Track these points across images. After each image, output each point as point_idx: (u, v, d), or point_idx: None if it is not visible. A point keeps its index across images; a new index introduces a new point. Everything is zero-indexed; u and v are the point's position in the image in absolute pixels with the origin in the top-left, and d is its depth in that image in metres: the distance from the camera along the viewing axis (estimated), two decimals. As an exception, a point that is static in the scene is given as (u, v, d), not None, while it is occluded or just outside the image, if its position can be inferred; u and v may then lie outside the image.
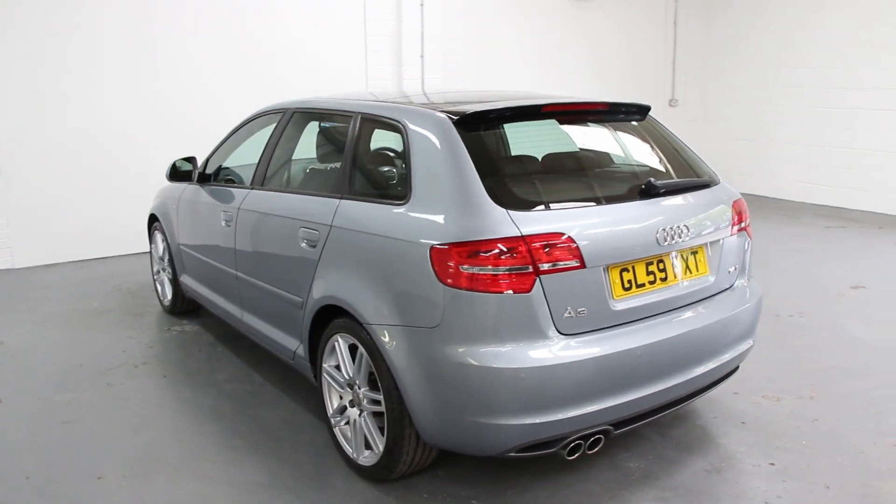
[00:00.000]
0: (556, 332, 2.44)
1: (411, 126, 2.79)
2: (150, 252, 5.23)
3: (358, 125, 3.10)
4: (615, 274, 2.57)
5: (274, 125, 3.75)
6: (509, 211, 2.45)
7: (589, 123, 3.10)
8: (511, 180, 2.64)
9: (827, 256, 6.35)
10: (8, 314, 5.05)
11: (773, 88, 9.12)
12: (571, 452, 2.59)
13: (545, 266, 2.40)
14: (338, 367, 3.00)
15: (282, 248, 3.29)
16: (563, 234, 2.44)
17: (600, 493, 2.82)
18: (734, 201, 3.06)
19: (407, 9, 7.96)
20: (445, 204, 2.52)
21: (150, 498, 2.82)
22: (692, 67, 10.16)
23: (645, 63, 10.01)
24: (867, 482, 2.84)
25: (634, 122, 3.18)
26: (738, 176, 9.23)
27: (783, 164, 9.08)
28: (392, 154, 2.96)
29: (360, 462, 2.90)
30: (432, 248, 2.44)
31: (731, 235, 2.99)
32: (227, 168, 4.29)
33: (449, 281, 2.40)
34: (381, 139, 3.05)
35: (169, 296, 4.94)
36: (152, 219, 5.06)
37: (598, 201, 2.69)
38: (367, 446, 2.88)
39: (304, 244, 3.10)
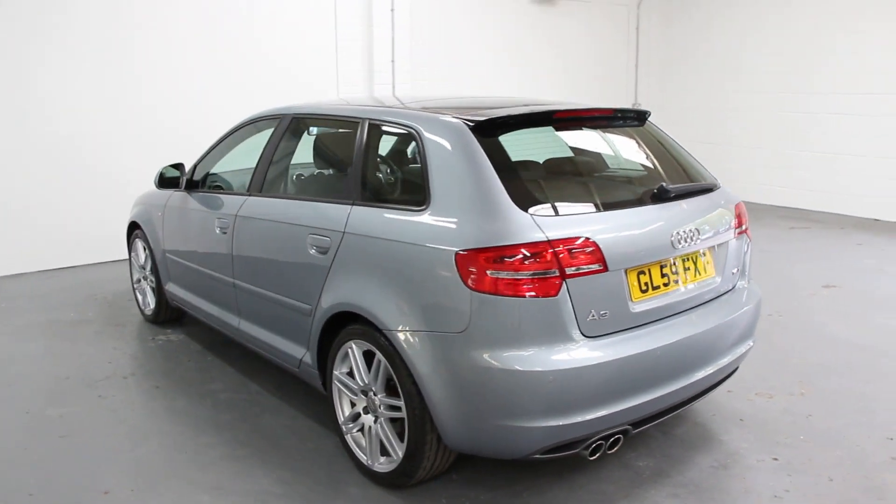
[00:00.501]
0: (580, 334, 2.48)
1: (426, 132, 2.80)
2: (130, 260, 5.09)
3: (366, 131, 3.09)
4: (633, 277, 2.62)
5: (271, 131, 3.70)
6: (534, 216, 2.48)
7: (595, 129, 3.16)
8: (531, 185, 2.67)
9: (795, 257, 6.58)
10: (-20, 326, 4.87)
11: (732, 92, 9.41)
12: (593, 453, 2.63)
13: (571, 270, 2.44)
14: (350, 374, 2.98)
15: (288, 255, 3.25)
16: (587, 239, 2.48)
17: (614, 493, 2.86)
18: (735, 204, 3.16)
19: (378, 14, 7.96)
20: (469, 210, 2.54)
21: (162, 512, 2.76)
22: (654, 71, 10.41)
23: (610, 67, 10.22)
24: (868, 474, 2.96)
25: (636, 127, 3.25)
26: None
27: (743, 166, 9.36)
28: (405, 160, 2.96)
29: (375, 469, 2.89)
30: (458, 253, 2.46)
31: (734, 238, 3.08)
32: (218, 175, 4.22)
33: (476, 286, 2.42)
34: (392, 145, 3.05)
35: (151, 305, 4.82)
36: (133, 226, 4.93)
37: (615, 206, 2.74)
38: (383, 453, 2.87)
39: (313, 251, 3.07)
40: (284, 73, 7.24)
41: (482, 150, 2.63)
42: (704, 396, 3.10)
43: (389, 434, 2.80)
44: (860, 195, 8.18)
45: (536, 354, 2.42)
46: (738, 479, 2.95)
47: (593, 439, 2.57)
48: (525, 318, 2.42)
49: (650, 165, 3.13)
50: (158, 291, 4.69)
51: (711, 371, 2.88)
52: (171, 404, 3.69)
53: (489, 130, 2.74)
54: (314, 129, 3.63)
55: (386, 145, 3.10)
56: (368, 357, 2.87)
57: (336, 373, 3.03)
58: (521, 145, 2.91)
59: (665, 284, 2.74)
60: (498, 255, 2.40)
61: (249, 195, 3.63)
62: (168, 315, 4.79)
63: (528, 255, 2.40)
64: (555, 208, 2.58)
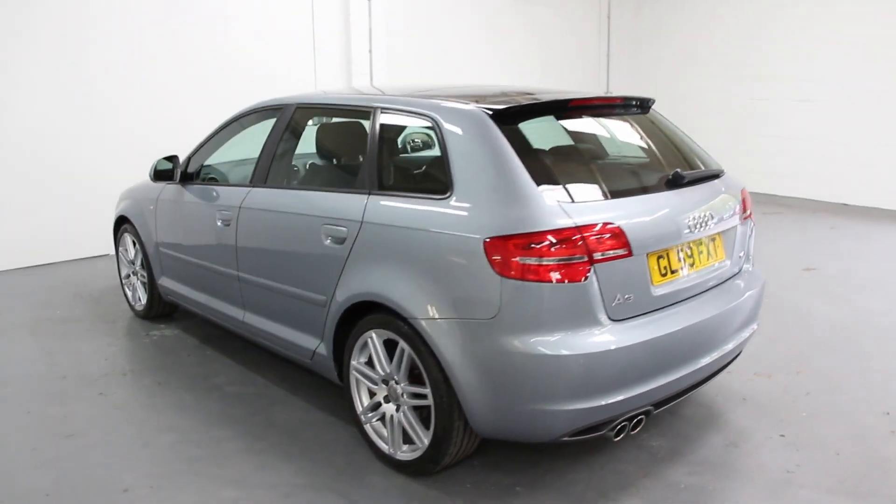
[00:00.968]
0: (607, 318, 2.53)
1: (445, 120, 2.80)
2: (118, 256, 4.98)
3: (379, 121, 3.08)
4: (653, 261, 2.68)
5: (273, 122, 3.65)
6: (560, 202, 2.52)
7: (606, 117, 3.20)
8: (553, 172, 2.70)
9: (772, 241, 6.76)
10: (-38, 326, 4.72)
11: (698, 79, 9.60)
12: (617, 434, 2.68)
13: (598, 255, 2.48)
14: (369, 364, 2.98)
15: (299, 246, 3.23)
16: (613, 224, 2.53)
17: (634, 472, 2.93)
18: (741, 190, 3.24)
19: (354, 3, 7.90)
20: (495, 197, 2.56)
21: (186, 508, 2.73)
22: (624, 58, 10.56)
23: (583, 54, 10.33)
24: (871, 448, 3.08)
25: (641, 115, 3.31)
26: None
27: (711, 152, 9.49)
28: (423, 148, 2.96)
29: (398, 457, 2.90)
30: (486, 240, 2.48)
31: (740, 223, 3.17)
32: (215, 167, 4.15)
33: (506, 272, 2.44)
34: (408, 134, 3.05)
35: (143, 300, 4.74)
36: (121, 220, 4.83)
37: (635, 192, 2.79)
38: (405, 441, 2.88)
39: (328, 241, 3.05)
40: (261, 65, 7.14)
41: (504, 138, 2.66)
42: (714, 377, 3.19)
43: (414, 422, 2.81)
44: (828, 181, 8.43)
45: (566, 338, 2.46)
46: (749, 456, 3.05)
47: (618, 421, 2.63)
48: (555, 303, 2.45)
49: (659, 152, 3.18)
50: (150, 286, 4.60)
51: (725, 351, 2.96)
52: (177, 399, 3.64)
53: (508, 118, 2.76)
54: (321, 119, 3.60)
55: (402, 134, 3.09)
56: (388, 346, 2.88)
57: (354, 363, 3.03)
58: (533, 133, 2.94)
59: (682, 268, 2.80)
60: (528, 241, 2.43)
61: (253, 186, 3.59)
62: (161, 310, 4.71)
63: (558, 241, 2.43)
64: (579, 194, 2.61)
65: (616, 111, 3.25)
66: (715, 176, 3.16)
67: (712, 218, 2.91)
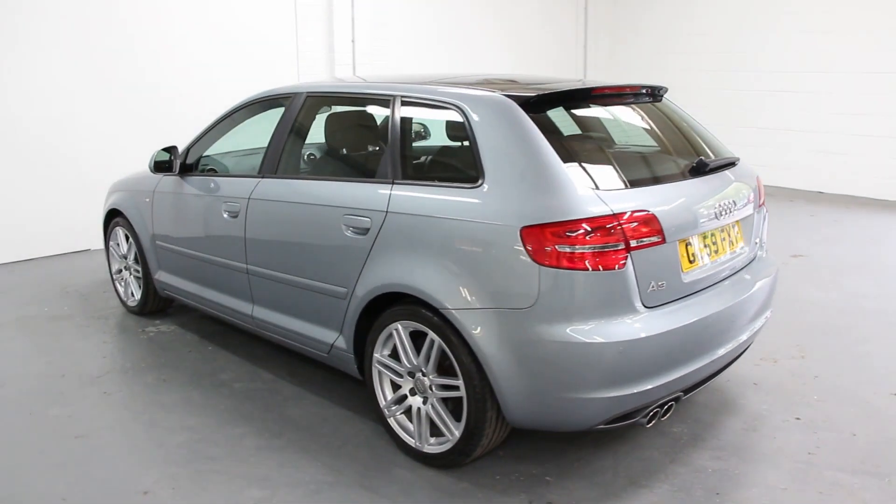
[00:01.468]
0: (642, 305, 2.53)
1: (473, 109, 2.77)
2: (108, 250, 4.83)
3: (399, 109, 3.02)
4: (682, 248, 2.69)
5: (282, 111, 3.57)
6: (595, 190, 2.51)
7: (624, 105, 3.20)
8: (584, 160, 2.69)
9: (756, 229, 6.87)
10: (-55, 326, 4.52)
11: (676, 70, 9.69)
12: (650, 420, 2.69)
13: (634, 242, 2.48)
14: (393, 357, 2.94)
15: (317, 237, 3.16)
16: (647, 211, 2.53)
17: (660, 458, 2.95)
18: (755, 178, 3.27)
19: (337, -8, 7.79)
20: (530, 185, 2.53)
21: (213, 508, 2.66)
22: (602, 48, 10.62)
23: (562, 43, 10.36)
24: (884, 428, 3.15)
25: (656, 103, 3.32)
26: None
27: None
28: (448, 137, 2.92)
29: (425, 450, 2.87)
30: (524, 228, 2.45)
31: (756, 210, 3.20)
32: (217, 157, 4.04)
33: (544, 261, 2.42)
34: (430, 123, 3.00)
35: (137, 296, 4.60)
36: (112, 214, 4.68)
37: (663, 179, 2.80)
38: (433, 433, 2.85)
39: (349, 232, 2.99)
40: (243, 55, 6.97)
41: (536, 126, 2.63)
42: (734, 362, 3.23)
43: (443, 414, 2.78)
44: (805, 169, 8.61)
45: (604, 326, 2.46)
46: (769, 439, 3.09)
47: (651, 407, 2.64)
48: (593, 290, 2.44)
49: (677, 140, 3.19)
50: (145, 281, 4.47)
51: (746, 336, 3.00)
52: (185, 397, 3.54)
53: (536, 106, 2.74)
54: (334, 108, 3.52)
55: (423, 123, 3.04)
56: (414, 338, 2.84)
57: (377, 355, 2.98)
58: (558, 121, 2.92)
59: (708, 255, 2.82)
60: (566, 229, 2.41)
61: (263, 177, 3.50)
62: (155, 306, 4.59)
63: (596, 228, 2.42)
64: (611, 182, 2.61)
65: (634, 99, 3.25)
66: (731, 164, 3.18)
67: (734, 205, 2.94)
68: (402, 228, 2.81)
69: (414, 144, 3.01)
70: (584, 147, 2.84)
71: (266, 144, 3.58)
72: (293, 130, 3.48)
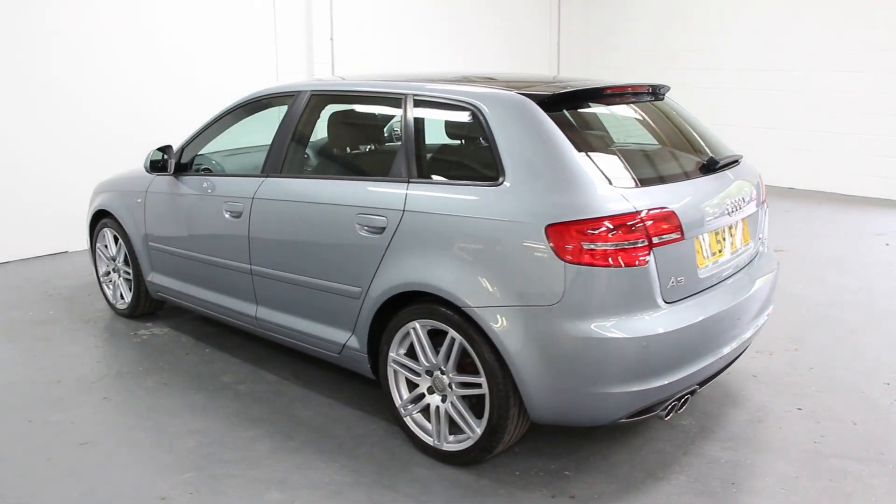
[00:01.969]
0: (662, 300, 2.57)
1: (490, 108, 2.77)
2: (94, 252, 4.71)
3: (413, 108, 3.01)
4: (698, 244, 2.74)
5: (285, 109, 3.52)
6: (617, 188, 2.54)
7: (632, 103, 3.24)
8: (603, 158, 2.72)
9: (734, 225, 7.03)
10: (-76, 332, 4.36)
11: (650, 70, 9.84)
12: (668, 413, 2.74)
13: (656, 239, 2.52)
14: (409, 355, 2.94)
15: (329, 237, 3.13)
16: (668, 208, 2.57)
17: (673, 451, 3.00)
18: (758, 175, 3.35)
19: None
20: (552, 183, 2.56)
21: (234, 512, 2.62)
22: (575, 51, 10.72)
23: (532, 48, 10.43)
24: (883, 416, 3.26)
25: (660, 101, 3.37)
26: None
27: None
28: (464, 136, 2.92)
29: (444, 448, 2.87)
30: (549, 226, 2.47)
31: (759, 206, 3.28)
32: (214, 157, 3.98)
33: (570, 258, 2.45)
34: (446, 122, 3.01)
35: (127, 298, 4.50)
36: (99, 215, 4.56)
37: (678, 176, 2.85)
38: (452, 431, 2.86)
39: (363, 232, 2.98)
40: (221, 54, 6.85)
41: (555, 125, 2.66)
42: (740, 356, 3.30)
43: (464, 411, 2.79)
44: (776, 166, 8.83)
45: (628, 321, 2.49)
46: (775, 429, 3.17)
47: (670, 400, 2.69)
48: (618, 286, 2.48)
49: (683, 138, 3.25)
50: (136, 283, 4.38)
51: (754, 329, 3.08)
52: (189, 401, 3.48)
53: (553, 105, 2.76)
54: (339, 107, 3.49)
55: (437, 122, 3.04)
56: (431, 336, 2.84)
57: (392, 355, 2.97)
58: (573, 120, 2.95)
59: (720, 250, 2.88)
60: (592, 226, 2.44)
61: (267, 176, 3.46)
62: (146, 308, 4.49)
63: (620, 226, 2.46)
64: (630, 179, 2.65)
65: (641, 98, 3.30)
66: (735, 161, 3.25)
67: (743, 201, 3.01)
68: (421, 227, 2.81)
69: (427, 143, 3.00)
70: (599, 145, 2.87)
71: (269, 143, 3.53)
72: (298, 129, 3.44)
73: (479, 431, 2.75)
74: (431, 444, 2.91)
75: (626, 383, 2.52)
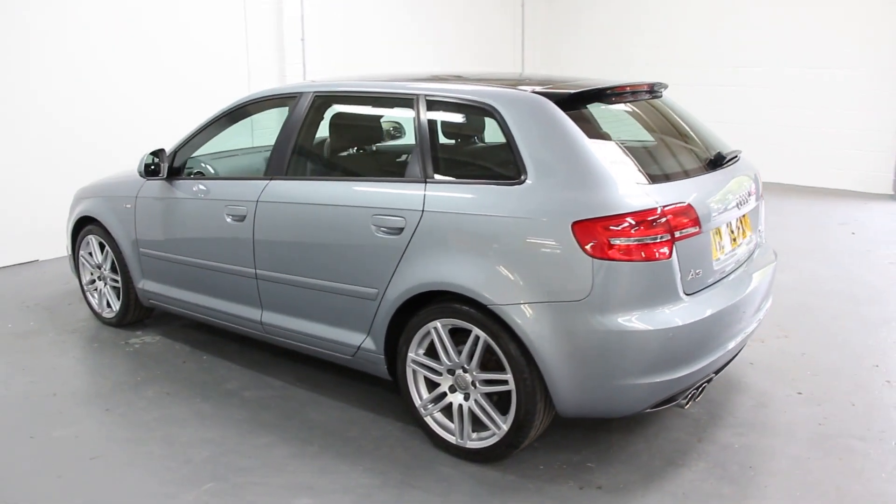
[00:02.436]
0: (683, 292, 2.64)
1: (507, 108, 2.80)
2: (77, 260, 4.55)
3: (426, 109, 3.01)
4: (713, 237, 2.82)
5: (287, 110, 3.48)
6: (638, 184, 2.60)
7: (636, 102, 3.30)
8: (621, 155, 2.77)
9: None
10: None
11: (614, 66, 10.03)
12: (688, 401, 2.81)
13: (678, 233, 2.58)
14: (429, 355, 2.94)
15: (342, 238, 3.10)
16: (687, 203, 2.64)
17: (688, 438, 3.08)
18: (755, 170, 3.46)
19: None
20: (575, 180, 2.60)
21: (264, 520, 2.58)
22: (539, 48, 10.85)
23: (499, 45, 10.51)
24: (878, 397, 3.41)
25: (659, 99, 3.44)
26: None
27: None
28: (482, 136, 2.94)
29: (468, 446, 2.89)
30: (576, 223, 2.51)
31: (758, 199, 3.39)
32: (209, 161, 3.89)
33: (597, 253, 2.49)
34: (461, 122, 3.02)
35: (115, 307, 4.37)
36: (83, 222, 4.42)
37: (690, 172, 2.92)
38: (475, 429, 2.87)
39: (380, 233, 2.96)
40: (190, 55, 6.70)
41: (574, 123, 2.70)
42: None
43: (489, 408, 2.81)
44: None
45: (653, 314, 2.55)
46: (780, 413, 3.29)
47: (690, 389, 2.76)
48: (644, 280, 2.54)
49: (685, 134, 3.33)
50: (126, 291, 4.26)
51: (761, 316, 3.19)
52: (195, 410, 3.40)
53: (569, 104, 2.81)
54: (345, 108, 3.46)
55: (451, 122, 3.05)
56: (453, 335, 2.85)
57: (412, 355, 2.97)
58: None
59: (730, 243, 2.97)
60: (618, 222, 2.49)
61: (272, 179, 3.41)
62: (135, 316, 4.37)
63: (644, 221, 2.51)
64: (649, 176, 2.70)
65: (643, 96, 3.36)
66: (736, 157, 3.35)
67: (749, 195, 3.11)
68: (442, 227, 2.81)
69: (442, 143, 3.00)
70: (615, 142, 2.92)
71: (266, 145, 3.49)
72: (302, 131, 3.40)
73: (504, 427, 2.77)
74: (454, 442, 2.92)
75: (652, 374, 2.58)
